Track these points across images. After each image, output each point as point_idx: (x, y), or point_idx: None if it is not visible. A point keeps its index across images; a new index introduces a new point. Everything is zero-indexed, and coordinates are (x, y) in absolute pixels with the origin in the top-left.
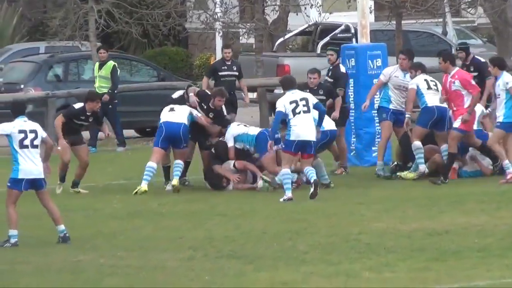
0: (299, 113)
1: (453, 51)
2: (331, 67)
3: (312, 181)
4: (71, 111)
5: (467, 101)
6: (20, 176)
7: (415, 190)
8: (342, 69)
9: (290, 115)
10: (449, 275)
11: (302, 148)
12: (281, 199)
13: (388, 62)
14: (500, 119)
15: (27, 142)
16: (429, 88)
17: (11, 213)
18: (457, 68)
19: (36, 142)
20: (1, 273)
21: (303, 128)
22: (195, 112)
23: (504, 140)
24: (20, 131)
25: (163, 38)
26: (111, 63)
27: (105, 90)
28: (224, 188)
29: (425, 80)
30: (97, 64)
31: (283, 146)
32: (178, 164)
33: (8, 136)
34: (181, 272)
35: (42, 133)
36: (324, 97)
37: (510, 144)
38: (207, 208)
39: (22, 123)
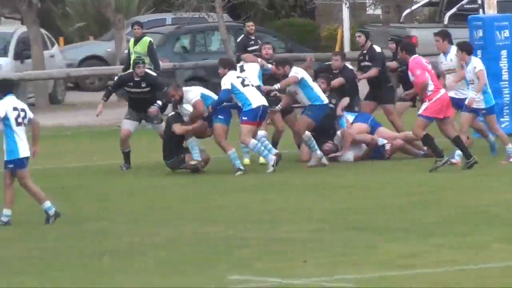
0: (248, 85)
1: None
2: (364, 51)
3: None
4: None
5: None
6: (22, 155)
7: None
8: (378, 49)
9: (241, 88)
10: None
11: (262, 114)
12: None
13: None
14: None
15: (20, 120)
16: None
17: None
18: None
19: (25, 121)
20: (132, 245)
21: (258, 95)
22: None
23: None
24: (15, 109)
25: (289, 9)
26: (146, 39)
27: None
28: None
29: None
30: (132, 40)
31: (245, 118)
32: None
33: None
34: (311, 244)
35: (29, 114)
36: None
37: (479, 124)
38: (332, 179)
39: (13, 101)
